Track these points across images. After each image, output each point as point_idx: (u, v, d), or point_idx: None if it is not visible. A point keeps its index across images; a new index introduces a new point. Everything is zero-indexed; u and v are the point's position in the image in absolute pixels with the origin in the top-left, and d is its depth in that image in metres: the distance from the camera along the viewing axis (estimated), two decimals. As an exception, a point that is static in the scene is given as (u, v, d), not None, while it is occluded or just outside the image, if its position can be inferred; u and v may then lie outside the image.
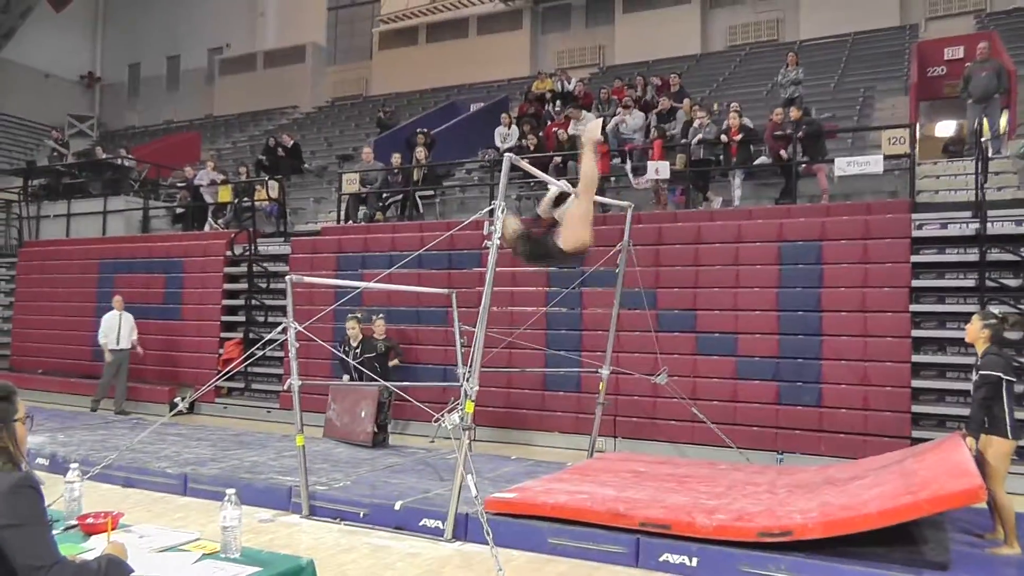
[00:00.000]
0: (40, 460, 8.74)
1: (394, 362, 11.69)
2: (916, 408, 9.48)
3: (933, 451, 6.49)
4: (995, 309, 6.73)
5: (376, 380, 9.87)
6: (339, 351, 11.21)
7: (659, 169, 12.43)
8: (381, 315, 11.87)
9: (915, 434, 9.31)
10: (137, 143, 26.54)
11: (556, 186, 6.81)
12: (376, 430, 10.29)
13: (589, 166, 6.21)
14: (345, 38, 29.87)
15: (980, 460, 5.87)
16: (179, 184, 18.52)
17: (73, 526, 3.56)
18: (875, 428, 9.47)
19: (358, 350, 11.23)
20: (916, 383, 9.57)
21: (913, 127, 11.86)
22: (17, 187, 19.54)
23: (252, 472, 8.20)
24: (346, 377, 11.11)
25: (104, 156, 20.02)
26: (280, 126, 25.58)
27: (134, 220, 17.71)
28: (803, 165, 12.34)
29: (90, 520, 3.53)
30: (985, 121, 12.18)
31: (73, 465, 4.03)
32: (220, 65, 30.74)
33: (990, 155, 11.35)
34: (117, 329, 13.43)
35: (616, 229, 10.14)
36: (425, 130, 16.38)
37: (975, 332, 6.31)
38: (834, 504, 5.84)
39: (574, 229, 6.07)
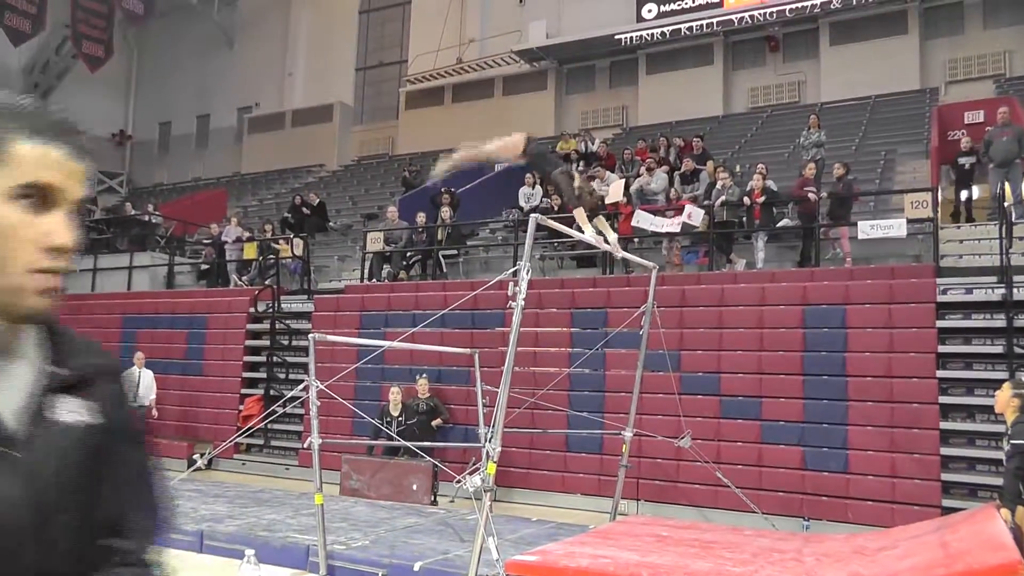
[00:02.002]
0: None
1: (437, 422, 11.66)
2: (946, 476, 9.31)
3: (967, 522, 6.34)
4: None
5: (418, 447, 9.76)
6: (372, 418, 11.22)
7: (692, 214, 12.54)
8: (424, 374, 11.86)
9: (945, 503, 9.13)
10: (165, 200, 26.90)
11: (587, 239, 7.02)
12: (432, 501, 10.53)
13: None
14: (372, 98, 30.32)
15: (1017, 533, 5.72)
16: (205, 241, 18.72)
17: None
18: (903, 496, 9.29)
19: (401, 418, 11.31)
20: (945, 451, 9.41)
21: (935, 191, 11.83)
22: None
23: (269, 530, 8.13)
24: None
25: (131, 212, 20.29)
26: (306, 184, 25.88)
27: (159, 276, 17.87)
28: (824, 229, 12.35)
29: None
30: (1007, 186, 12.15)
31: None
32: (249, 123, 31.25)
33: (1014, 220, 11.30)
34: (136, 386, 13.53)
35: (640, 291, 10.13)
36: (452, 189, 16.52)
37: (1005, 401, 6.21)
38: (864, 575, 5.71)
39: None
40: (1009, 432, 6.08)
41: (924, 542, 6.27)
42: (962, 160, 13.48)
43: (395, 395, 11.49)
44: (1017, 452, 5.86)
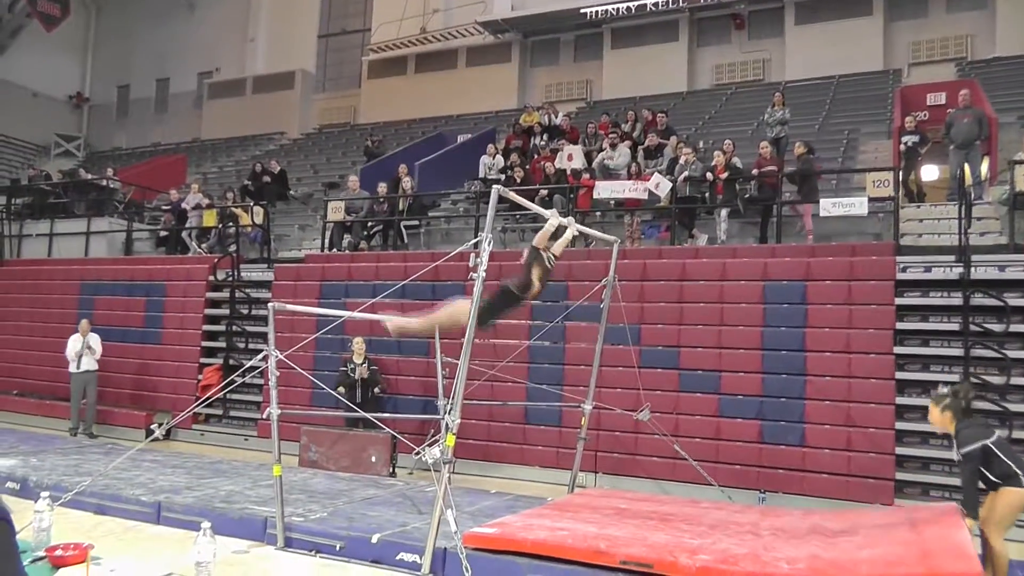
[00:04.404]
0: (11, 484, 8.58)
1: (375, 390, 11.66)
2: (900, 450, 9.45)
3: (933, 524, 6.24)
4: (942, 389, 6.53)
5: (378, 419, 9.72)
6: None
7: (659, 184, 12.57)
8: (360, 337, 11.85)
9: (899, 476, 9.30)
10: (124, 164, 26.44)
11: (552, 217, 6.93)
12: (391, 472, 10.51)
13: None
14: (334, 66, 29.98)
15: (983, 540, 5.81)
16: (164, 207, 18.45)
17: (41, 558, 3.46)
18: (858, 469, 9.43)
19: (363, 365, 11.44)
20: (900, 425, 9.53)
21: (897, 171, 11.95)
22: (1, 205, 19.41)
23: (227, 501, 8.06)
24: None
25: (89, 176, 19.90)
26: (267, 152, 25.58)
27: (117, 242, 17.60)
28: (788, 205, 12.44)
29: (59, 552, 3.43)
30: (967, 167, 12.29)
31: (44, 495, 3.93)
32: (209, 89, 30.79)
33: (973, 200, 11.44)
34: (79, 354, 13.38)
35: (601, 264, 10.13)
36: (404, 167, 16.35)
37: (939, 419, 6.19)
38: (823, 558, 5.72)
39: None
40: (955, 442, 6.03)
41: (887, 535, 6.26)
42: (905, 138, 13.59)
43: (359, 344, 11.58)
44: (969, 459, 5.84)
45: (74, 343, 13.47)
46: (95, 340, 13.62)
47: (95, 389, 13.57)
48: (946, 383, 9.49)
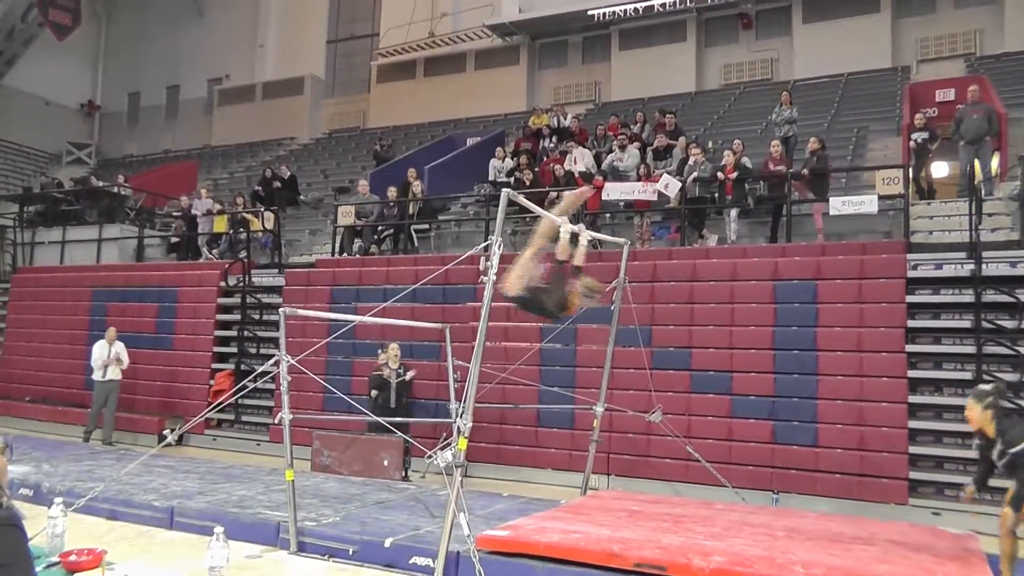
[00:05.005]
0: (24, 491, 8.61)
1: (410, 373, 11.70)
2: (913, 449, 9.42)
3: (958, 562, 6.10)
4: (982, 387, 6.31)
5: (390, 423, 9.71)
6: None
7: (668, 184, 12.54)
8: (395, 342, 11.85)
9: (912, 475, 9.26)
10: (135, 171, 26.59)
11: (562, 224, 6.83)
12: (403, 476, 10.49)
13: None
14: (343, 71, 30.06)
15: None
16: (175, 213, 18.53)
17: (55, 563, 3.48)
18: (871, 469, 9.40)
19: (399, 369, 11.45)
20: (912, 424, 9.50)
21: (906, 168, 11.91)
22: (13, 213, 19.53)
23: (240, 506, 8.08)
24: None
25: (100, 184, 20.02)
26: (277, 157, 25.65)
27: (129, 248, 17.67)
28: (798, 204, 12.39)
29: (73, 557, 3.45)
30: (977, 163, 12.24)
31: (57, 500, 3.95)
32: (219, 95, 30.92)
33: (983, 197, 11.39)
34: (106, 361, 13.40)
35: (612, 266, 10.13)
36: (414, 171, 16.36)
37: (980, 417, 5.96)
38: (840, 568, 5.68)
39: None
40: (1000, 445, 5.82)
41: (907, 556, 6.09)
42: (914, 135, 13.51)
43: (393, 350, 11.54)
44: (1019, 457, 5.65)
45: (101, 350, 13.46)
46: (122, 349, 13.63)
47: (116, 397, 13.57)
48: (958, 381, 9.52)
